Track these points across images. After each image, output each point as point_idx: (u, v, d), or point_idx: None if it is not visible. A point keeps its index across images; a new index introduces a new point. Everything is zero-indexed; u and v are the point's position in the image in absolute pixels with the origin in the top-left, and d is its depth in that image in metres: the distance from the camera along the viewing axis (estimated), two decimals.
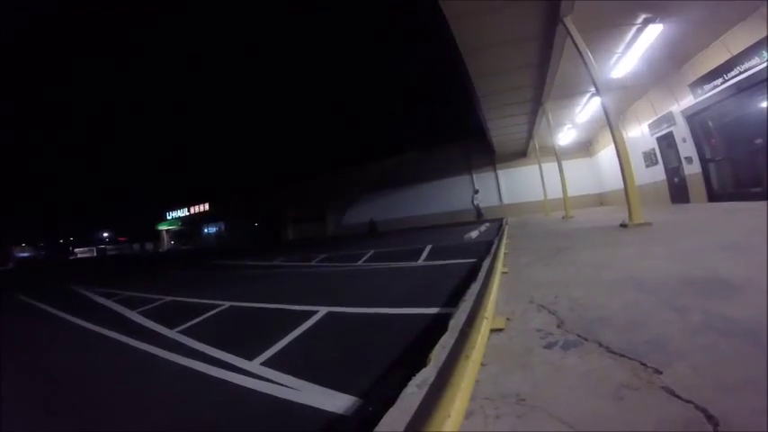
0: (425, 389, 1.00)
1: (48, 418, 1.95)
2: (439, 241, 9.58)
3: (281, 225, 31.06)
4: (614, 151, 6.05)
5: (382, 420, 0.97)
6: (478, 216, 11.92)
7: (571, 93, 11.03)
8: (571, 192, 12.64)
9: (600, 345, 1.15)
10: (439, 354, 1.26)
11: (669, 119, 10.62)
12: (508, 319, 1.55)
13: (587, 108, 12.42)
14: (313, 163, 31.58)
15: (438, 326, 1.95)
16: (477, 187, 19.69)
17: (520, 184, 18.83)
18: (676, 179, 11.06)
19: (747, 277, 1.81)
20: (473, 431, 0.82)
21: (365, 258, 8.00)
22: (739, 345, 1.03)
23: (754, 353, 0.98)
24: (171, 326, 3.69)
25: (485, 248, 6.10)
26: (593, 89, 9.76)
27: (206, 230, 38.01)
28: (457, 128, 21.06)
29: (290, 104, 46.35)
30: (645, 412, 0.80)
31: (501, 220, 14.80)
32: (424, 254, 7.32)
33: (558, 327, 1.38)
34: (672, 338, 1.14)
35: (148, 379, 2.39)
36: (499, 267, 2.41)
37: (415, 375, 1.14)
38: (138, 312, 4.70)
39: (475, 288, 2.16)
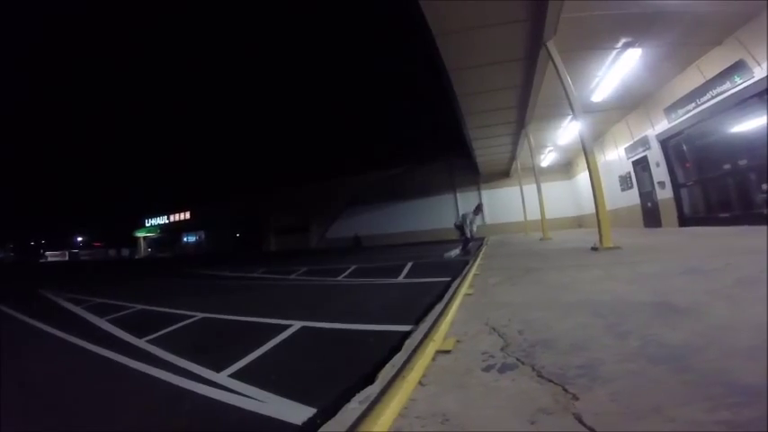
0: (366, 405, 1.05)
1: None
2: (420, 258, 9.64)
3: (263, 236, 30.73)
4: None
5: (320, 430, 1.02)
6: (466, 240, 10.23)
7: (553, 115, 11.34)
8: (551, 213, 12.89)
9: (533, 368, 1.21)
10: (387, 372, 1.31)
11: (645, 143, 10.93)
12: (458, 341, 1.60)
13: (568, 131, 12.76)
14: (298, 175, 31.51)
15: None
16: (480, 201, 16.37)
17: (502, 205, 19.16)
18: (649, 203, 11.38)
19: (695, 302, 1.91)
20: None
21: (346, 273, 7.99)
22: (663, 372, 1.09)
23: (672, 379, 1.04)
24: (140, 335, 3.63)
25: (462, 267, 6.18)
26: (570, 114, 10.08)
27: (185, 239, 37.27)
28: (442, 146, 21.33)
29: (276, 114, 46.49)
30: None
31: (482, 239, 14.98)
32: (405, 271, 7.37)
33: (502, 349, 1.43)
34: (603, 364, 1.20)
35: (109, 387, 2.35)
36: (463, 289, 2.48)
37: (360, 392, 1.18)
38: (106, 320, 4.59)
39: (438, 308, 2.22)
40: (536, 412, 0.93)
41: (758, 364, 1.05)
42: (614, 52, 7.59)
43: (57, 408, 2.07)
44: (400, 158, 24.65)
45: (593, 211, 5.96)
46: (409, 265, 8.19)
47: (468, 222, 9.73)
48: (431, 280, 5.70)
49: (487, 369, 1.27)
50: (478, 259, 5.64)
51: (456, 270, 6.15)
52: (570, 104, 6.51)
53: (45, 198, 53.46)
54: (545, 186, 12.44)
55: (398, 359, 1.44)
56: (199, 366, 2.51)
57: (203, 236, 35.98)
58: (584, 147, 6.36)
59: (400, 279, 6.50)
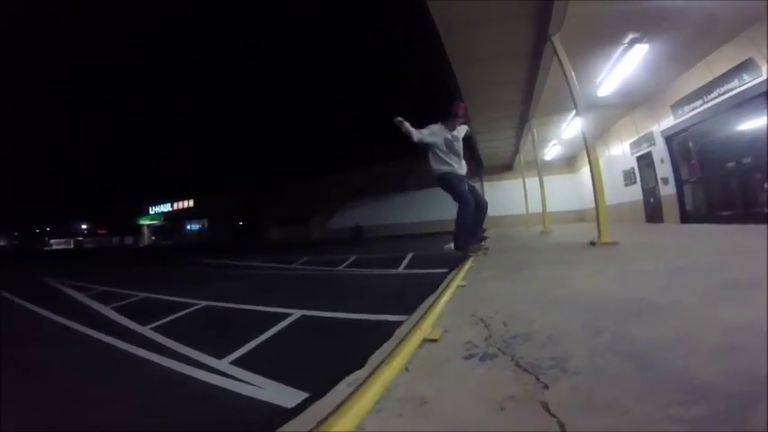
0: (353, 387, 1.15)
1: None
2: (420, 250, 9.74)
3: (265, 226, 30.93)
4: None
5: (308, 409, 1.13)
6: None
7: (558, 109, 11.28)
8: (554, 207, 12.91)
9: (512, 359, 1.29)
10: (375, 358, 1.40)
11: (649, 138, 10.90)
12: (446, 331, 1.68)
13: (572, 125, 12.72)
14: (301, 164, 31.58)
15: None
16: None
17: (505, 198, 19.17)
18: (652, 199, 11.38)
19: (675, 301, 1.97)
20: (375, 429, 0.96)
21: (347, 264, 8.12)
22: (626, 367, 1.16)
23: (633, 375, 1.11)
24: (143, 322, 3.74)
25: (461, 259, 6.27)
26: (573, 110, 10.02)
27: (188, 227, 37.56)
28: None
29: (279, 104, 46.54)
30: (517, 424, 0.92)
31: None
32: (405, 262, 7.47)
33: (485, 340, 1.51)
34: (573, 357, 1.27)
35: (112, 373, 2.46)
36: (457, 281, 2.56)
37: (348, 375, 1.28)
38: (111, 308, 4.72)
39: (430, 299, 2.31)
40: (506, 399, 1.01)
41: (717, 364, 1.11)
42: (621, 48, 7.53)
43: (56, 393, 2.18)
44: (403, 150, 24.58)
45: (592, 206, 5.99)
46: (409, 256, 8.29)
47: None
48: (429, 271, 5.79)
49: (468, 357, 1.35)
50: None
51: (454, 262, 6.24)
52: (573, 100, 6.47)
53: (48, 185, 53.84)
54: (548, 180, 12.45)
55: (387, 347, 1.53)
56: (200, 353, 2.61)
57: (206, 224, 36.17)
58: (586, 142, 6.37)
59: (399, 270, 6.60)
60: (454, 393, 1.07)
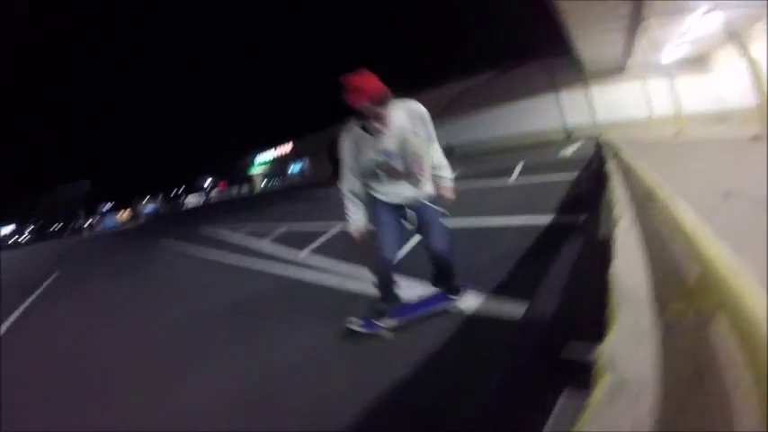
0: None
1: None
2: (526, 159, 9.28)
3: None
4: (734, 67, 5.15)
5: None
6: None
7: (679, 9, 9.19)
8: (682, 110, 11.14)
9: None
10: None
11: None
12: None
13: (699, 24, 10.24)
14: (389, 87, 30.68)
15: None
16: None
17: (616, 101, 16.73)
18: None
19: None
20: None
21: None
22: None
23: None
24: (300, 248, 4.37)
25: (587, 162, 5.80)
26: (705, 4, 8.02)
27: (291, 168, 40.32)
28: (537, 44, 18.27)
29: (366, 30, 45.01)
30: None
31: (595, 138, 13.50)
32: (516, 171, 7.45)
33: None
34: None
35: (293, 296, 2.89)
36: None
37: None
38: (267, 240, 5.57)
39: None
40: None
41: None
42: None
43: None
44: (490, 60, 22.10)
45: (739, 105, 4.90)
46: (520, 164, 8.26)
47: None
48: (547, 180, 5.62)
49: None
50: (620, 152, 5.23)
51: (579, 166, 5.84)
52: None
53: (178, 149, 61.90)
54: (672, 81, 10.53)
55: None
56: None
57: (307, 163, 38.02)
58: (733, 36, 5.17)
59: (512, 180, 6.58)
60: None
